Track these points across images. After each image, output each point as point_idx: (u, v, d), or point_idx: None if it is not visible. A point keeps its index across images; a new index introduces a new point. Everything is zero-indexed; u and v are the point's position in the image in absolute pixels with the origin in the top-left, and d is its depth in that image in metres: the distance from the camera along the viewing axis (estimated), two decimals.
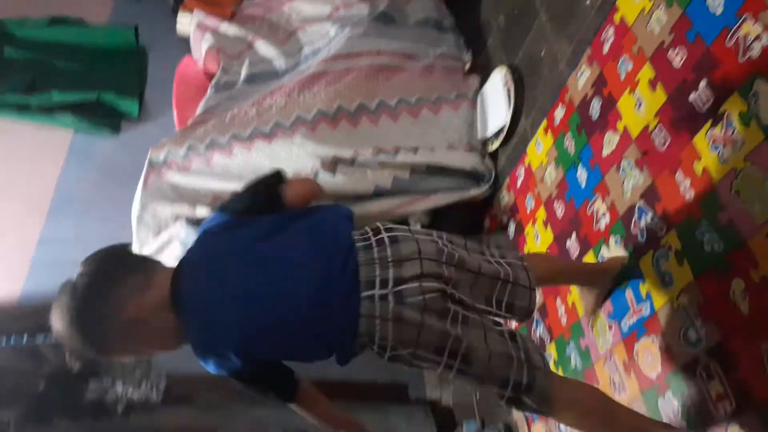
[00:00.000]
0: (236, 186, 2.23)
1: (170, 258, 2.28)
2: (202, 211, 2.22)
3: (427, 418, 2.66)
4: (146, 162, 2.30)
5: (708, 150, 1.28)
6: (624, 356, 1.50)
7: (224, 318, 1.13)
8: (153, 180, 2.30)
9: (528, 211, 2.02)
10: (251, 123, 2.23)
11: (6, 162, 2.77)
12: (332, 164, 2.18)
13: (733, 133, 1.22)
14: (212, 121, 2.32)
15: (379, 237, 1.18)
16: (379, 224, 1.23)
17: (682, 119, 1.37)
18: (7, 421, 2.38)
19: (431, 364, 1.15)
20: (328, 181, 2.18)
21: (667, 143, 1.41)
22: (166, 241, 2.24)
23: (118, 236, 2.57)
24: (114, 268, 1.14)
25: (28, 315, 2.62)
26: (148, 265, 1.18)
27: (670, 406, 1.33)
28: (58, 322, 1.09)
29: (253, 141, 2.19)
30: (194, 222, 2.18)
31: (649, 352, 1.41)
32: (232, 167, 2.23)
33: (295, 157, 2.17)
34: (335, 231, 1.21)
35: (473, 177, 2.27)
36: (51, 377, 2.50)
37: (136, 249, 2.41)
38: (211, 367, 1.16)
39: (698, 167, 1.30)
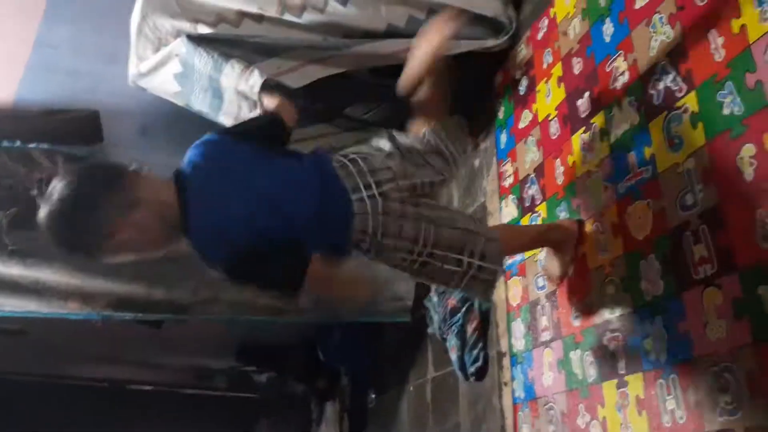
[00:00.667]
0: (242, 6, 2.12)
1: (169, 75, 2.21)
2: (204, 29, 2.12)
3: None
4: None
5: (752, 6, 1.19)
6: (614, 217, 1.50)
7: (232, 222, 1.21)
8: None
9: (544, 67, 1.93)
10: None
11: None
12: None
13: None
14: None
15: (351, 158, 1.37)
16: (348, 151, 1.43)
17: None
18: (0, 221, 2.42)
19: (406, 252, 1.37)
20: (338, 11, 2.06)
21: None
22: (166, 56, 2.15)
23: (116, 47, 2.51)
24: (94, 188, 1.16)
25: (22, 120, 2.58)
26: (126, 179, 1.19)
27: (651, 268, 1.35)
28: (49, 238, 1.16)
29: None
30: (196, 39, 2.08)
31: (642, 215, 1.40)
32: None
33: None
34: (323, 160, 1.38)
35: (493, 26, 2.14)
36: (43, 182, 2.51)
37: (133, 63, 2.32)
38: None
39: (736, 24, 1.22)
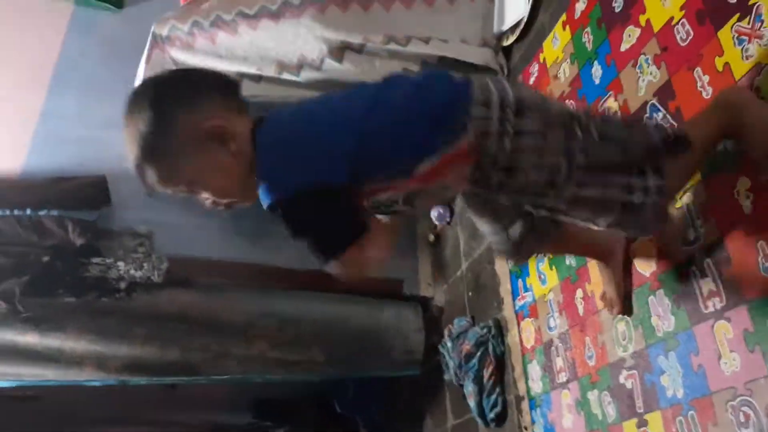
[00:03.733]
0: (241, 68, 2.19)
1: None
2: None
3: (417, 314, 2.74)
4: (149, 37, 2.23)
5: (732, 45, 1.23)
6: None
7: (320, 136, 0.99)
8: (156, 56, 2.24)
9: None
10: (258, 0, 2.14)
11: (4, 31, 2.69)
12: (340, 51, 2.11)
13: (761, 26, 1.17)
14: None
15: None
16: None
17: (708, 12, 1.30)
18: (12, 290, 2.44)
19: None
20: (334, 68, 2.12)
21: (689, 38, 1.35)
22: None
23: (121, 114, 2.58)
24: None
25: (32, 189, 2.63)
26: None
27: (661, 304, 1.35)
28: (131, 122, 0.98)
29: (260, 20, 2.11)
30: None
31: (646, 252, 1.41)
32: (237, 47, 2.16)
33: (302, 40, 2.10)
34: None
35: (485, 74, 2.20)
36: (55, 251, 2.55)
37: None
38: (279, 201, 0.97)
39: (719, 63, 1.25)
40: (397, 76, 1.08)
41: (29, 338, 2.46)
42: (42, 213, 2.57)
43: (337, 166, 0.95)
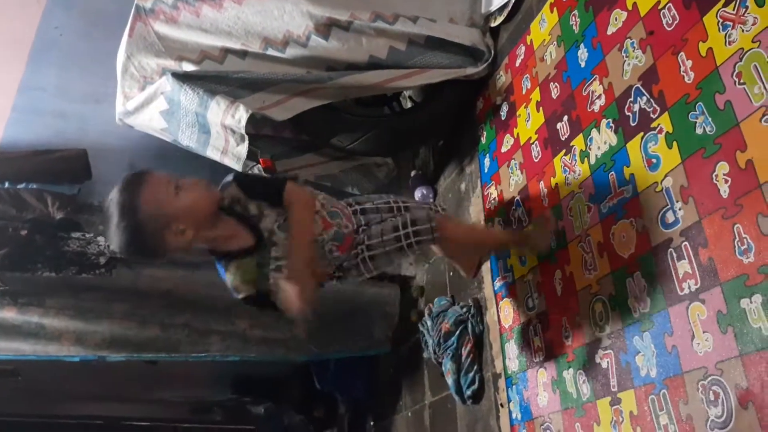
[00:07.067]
0: (225, 43, 2.16)
1: (155, 112, 2.24)
2: (189, 67, 2.15)
3: (396, 294, 2.77)
4: (132, 9, 2.19)
5: (716, 30, 1.24)
6: (599, 237, 1.53)
7: None
8: (139, 29, 2.19)
9: (523, 92, 1.98)
10: None
11: None
12: (326, 27, 2.09)
13: (745, 12, 1.18)
14: None
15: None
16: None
17: None
18: None
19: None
20: (320, 45, 2.10)
21: (675, 22, 1.36)
22: (152, 94, 2.18)
23: (102, 88, 2.54)
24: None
25: (10, 161, 2.59)
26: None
27: (638, 285, 1.38)
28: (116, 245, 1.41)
29: None
30: (181, 77, 2.11)
31: (625, 234, 1.43)
32: (221, 22, 2.13)
33: (288, 16, 2.07)
34: None
35: (472, 54, 2.19)
36: (34, 224, 2.52)
37: (120, 102, 2.35)
38: None
39: (703, 48, 1.27)
40: None
41: (7, 313, 2.44)
42: (21, 186, 2.53)
43: None
